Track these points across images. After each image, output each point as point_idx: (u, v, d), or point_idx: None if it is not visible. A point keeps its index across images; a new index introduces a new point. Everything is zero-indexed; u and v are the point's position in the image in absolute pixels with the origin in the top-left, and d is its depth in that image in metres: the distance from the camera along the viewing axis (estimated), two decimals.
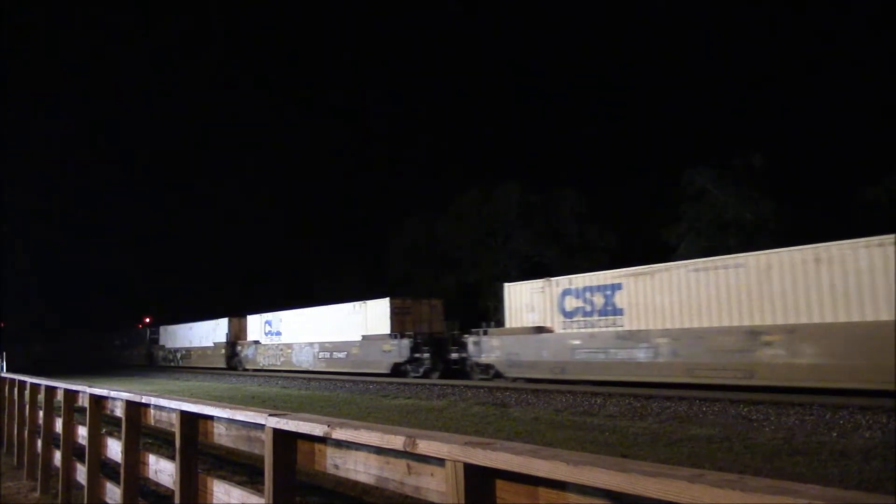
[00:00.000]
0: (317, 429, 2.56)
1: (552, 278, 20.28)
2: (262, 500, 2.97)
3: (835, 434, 9.67)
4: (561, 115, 68.37)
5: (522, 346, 20.13)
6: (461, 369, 22.77)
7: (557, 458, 1.64)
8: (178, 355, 43.83)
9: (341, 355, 27.88)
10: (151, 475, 4.68)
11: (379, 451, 2.32)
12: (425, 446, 2.03)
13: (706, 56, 59.51)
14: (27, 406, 8.84)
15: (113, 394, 5.51)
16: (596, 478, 1.53)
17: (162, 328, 47.75)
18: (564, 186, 39.75)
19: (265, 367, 33.12)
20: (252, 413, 3.10)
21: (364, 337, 26.74)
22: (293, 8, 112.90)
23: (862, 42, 42.69)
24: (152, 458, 4.66)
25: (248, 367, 34.67)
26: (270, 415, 2.90)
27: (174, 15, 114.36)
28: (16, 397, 9.95)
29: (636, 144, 55.01)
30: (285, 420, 2.78)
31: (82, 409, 6.41)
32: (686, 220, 32.81)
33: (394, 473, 2.27)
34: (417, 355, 24.00)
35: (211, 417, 3.65)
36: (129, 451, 4.83)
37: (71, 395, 6.83)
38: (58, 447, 6.79)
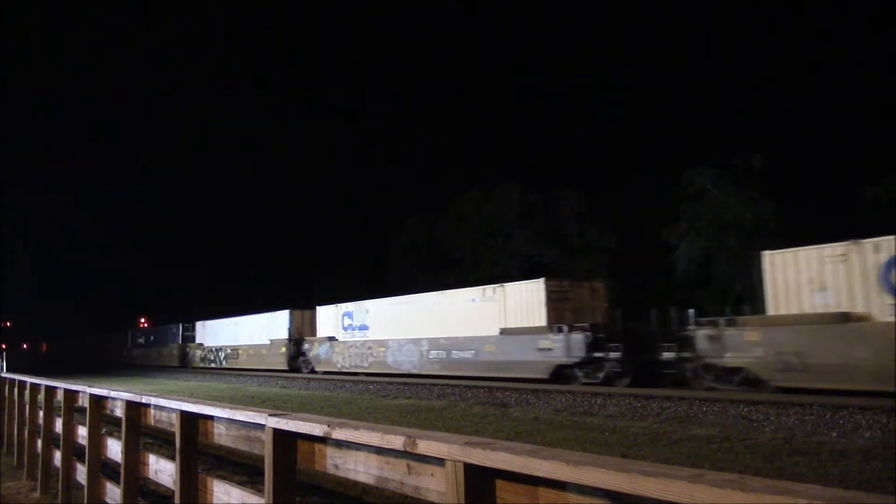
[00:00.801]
0: (317, 429, 2.56)
1: (862, 240, 13.67)
2: (262, 500, 2.97)
3: (835, 434, 9.67)
4: (561, 115, 68.36)
5: (812, 340, 13.74)
6: (675, 374, 16.94)
7: (557, 458, 1.64)
8: (222, 355, 38.15)
9: (466, 355, 22.05)
10: (151, 475, 4.68)
11: (379, 451, 2.32)
12: (425, 446, 2.03)
13: (706, 56, 59.52)
14: (27, 406, 8.83)
15: (113, 394, 5.51)
16: (596, 478, 1.53)
17: (199, 324, 42.34)
18: (564, 186, 39.75)
19: (344, 369, 27.53)
20: (252, 413, 3.10)
21: (504, 330, 20.83)
22: (293, 7, 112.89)
23: (862, 42, 42.69)
24: (152, 458, 4.66)
25: (319, 368, 29.32)
26: (270, 415, 2.90)
27: (174, 15, 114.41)
28: (16, 397, 9.95)
29: (636, 144, 55.00)
30: (285, 420, 2.78)
31: (82, 409, 6.40)
32: (686, 220, 32.80)
33: (394, 473, 2.27)
34: (598, 354, 18.17)
35: (211, 417, 3.65)
36: (129, 451, 4.82)
37: (71, 395, 6.83)
38: (58, 447, 6.78)
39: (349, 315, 28.78)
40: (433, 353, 23.32)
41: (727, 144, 37.75)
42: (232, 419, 3.35)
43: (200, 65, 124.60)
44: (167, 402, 4.20)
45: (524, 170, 57.70)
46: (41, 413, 7.98)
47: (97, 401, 5.87)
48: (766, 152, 31.53)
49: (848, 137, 35.15)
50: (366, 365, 26.65)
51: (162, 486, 4.71)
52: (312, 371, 29.94)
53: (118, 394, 5.28)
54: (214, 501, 3.57)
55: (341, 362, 28.11)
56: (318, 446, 2.69)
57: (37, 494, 7.39)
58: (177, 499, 3.78)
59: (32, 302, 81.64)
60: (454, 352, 22.55)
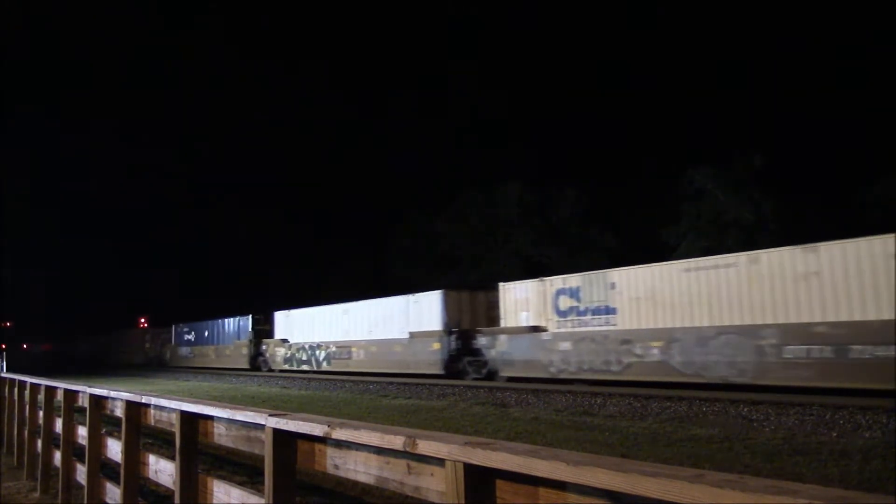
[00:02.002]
0: (317, 429, 2.56)
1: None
2: (262, 500, 2.98)
3: (835, 434, 9.67)
4: (561, 114, 68.39)
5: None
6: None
7: (557, 458, 1.64)
8: (321, 355, 29.42)
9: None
10: (151, 475, 4.68)
11: (379, 451, 2.32)
12: (425, 446, 2.03)
13: (706, 56, 59.53)
14: (27, 406, 8.84)
15: (113, 394, 5.51)
16: (596, 478, 1.53)
17: (280, 315, 33.48)
18: (564, 186, 39.80)
19: (577, 376, 18.30)
20: (252, 413, 3.10)
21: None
22: (294, 3, 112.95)
23: (862, 42, 42.72)
24: (152, 458, 4.66)
25: (510, 373, 20.32)
26: (270, 415, 2.90)
27: (174, 12, 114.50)
28: (16, 397, 9.95)
29: (636, 144, 55.02)
30: (285, 420, 2.78)
31: (82, 409, 6.41)
32: (686, 220, 32.83)
33: (394, 473, 2.27)
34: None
35: (211, 417, 3.65)
36: (129, 451, 4.83)
37: (71, 395, 6.83)
38: (58, 447, 6.79)
39: (574, 293, 18.77)
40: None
41: (727, 144, 37.77)
42: (232, 419, 3.35)
43: (201, 65, 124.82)
44: (167, 402, 4.20)
45: (524, 170, 57.76)
46: (41, 413, 7.98)
47: (97, 401, 5.87)
48: (766, 152, 31.58)
49: (848, 137, 35.17)
50: (617, 369, 17.40)
51: (162, 486, 4.72)
52: (488, 377, 21.11)
53: (118, 394, 5.28)
54: (214, 501, 3.57)
55: (573, 365, 18.44)
56: (318, 446, 2.70)
57: (37, 494, 7.39)
58: (177, 499, 3.78)
59: (36, 301, 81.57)
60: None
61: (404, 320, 24.93)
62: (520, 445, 1.86)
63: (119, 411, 5.12)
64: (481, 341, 21.73)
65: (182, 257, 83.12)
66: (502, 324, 21.15)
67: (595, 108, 64.68)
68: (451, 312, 23.28)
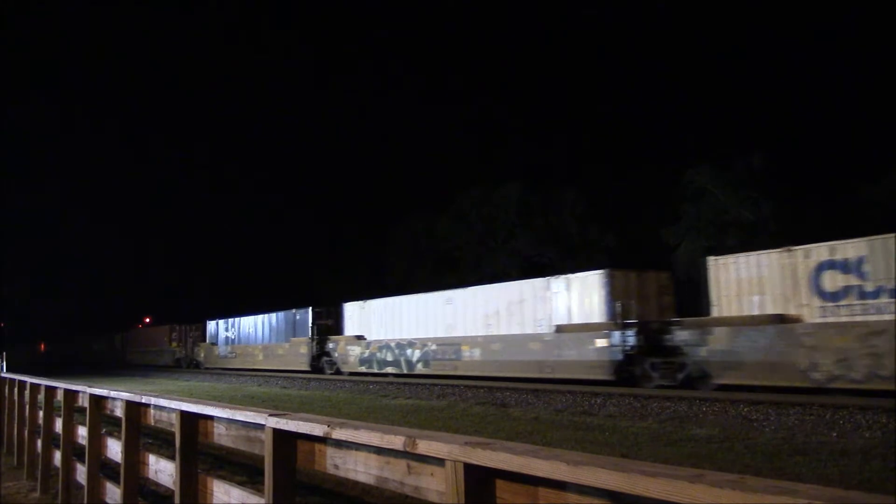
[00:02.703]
0: (317, 429, 2.56)
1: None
2: (262, 500, 2.97)
3: (835, 434, 9.66)
4: (561, 114, 68.37)
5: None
6: None
7: (557, 458, 1.64)
8: (413, 355, 24.29)
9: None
10: (151, 475, 4.68)
11: (379, 451, 2.32)
12: (425, 446, 2.03)
13: (706, 56, 59.50)
14: (27, 406, 8.84)
15: (113, 394, 5.51)
16: (596, 478, 1.53)
17: (352, 307, 28.12)
18: (564, 186, 39.81)
19: (862, 384, 13.21)
20: (252, 413, 3.10)
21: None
22: (297, 3, 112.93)
23: (862, 42, 42.68)
24: (152, 458, 4.66)
25: (764, 380, 14.92)
26: (270, 415, 2.90)
27: (173, 13, 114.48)
28: (16, 397, 9.95)
29: (636, 144, 55.03)
30: (285, 420, 2.78)
31: (82, 409, 6.40)
32: (686, 220, 32.83)
33: (394, 473, 2.27)
34: None
35: (211, 417, 3.65)
36: (129, 451, 4.82)
37: (71, 395, 6.83)
38: (58, 447, 6.78)
39: (852, 267, 13.86)
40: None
41: (727, 144, 37.79)
42: (232, 419, 3.35)
43: (202, 65, 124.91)
44: (167, 402, 4.20)
45: (524, 170, 57.80)
46: (41, 413, 7.98)
47: (97, 401, 5.87)
48: (766, 152, 31.59)
49: (847, 137, 35.16)
50: None
51: (162, 486, 4.71)
52: (686, 384, 16.40)
53: (118, 394, 5.28)
54: (214, 501, 3.57)
55: (859, 369, 13.31)
56: (318, 446, 2.69)
57: (37, 494, 7.39)
58: (177, 499, 3.77)
59: (31, 301, 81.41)
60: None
61: (542, 310, 19.95)
62: (520, 445, 1.86)
63: (119, 411, 5.12)
64: (680, 336, 16.66)
65: (180, 257, 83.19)
66: (714, 312, 16.40)
67: (596, 108, 64.67)
68: (619, 298, 18.28)
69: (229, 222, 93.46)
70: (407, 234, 45.41)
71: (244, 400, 17.71)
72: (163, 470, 4.39)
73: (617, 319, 17.90)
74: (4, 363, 30.65)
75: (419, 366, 24.12)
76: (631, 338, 17.61)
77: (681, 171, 33.10)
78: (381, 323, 26.50)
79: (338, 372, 28.29)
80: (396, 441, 2.13)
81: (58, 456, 6.78)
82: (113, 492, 5.26)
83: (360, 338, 27.31)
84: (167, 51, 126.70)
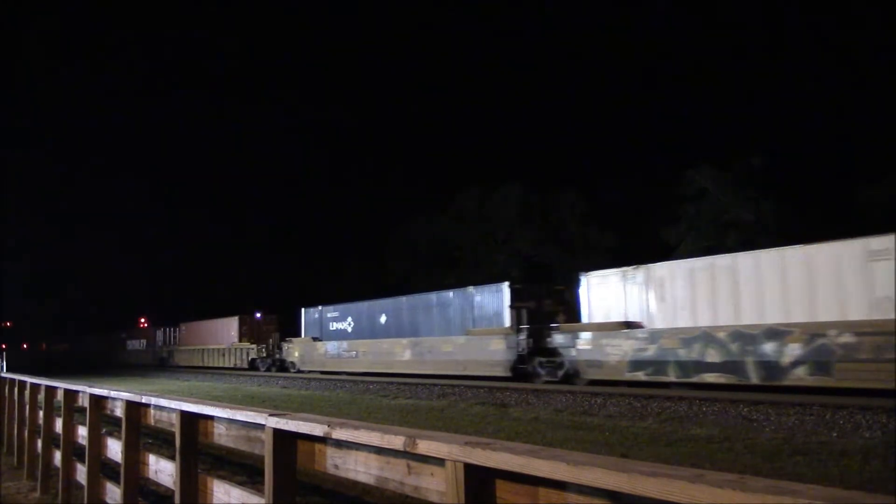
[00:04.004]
0: (317, 429, 2.56)
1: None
2: (262, 500, 2.97)
3: (835, 434, 9.66)
4: (561, 115, 68.37)
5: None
6: None
7: (557, 458, 1.64)
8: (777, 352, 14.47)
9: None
10: (151, 475, 4.68)
11: (379, 451, 2.32)
12: (425, 446, 2.03)
13: (706, 56, 59.51)
14: (27, 406, 8.83)
15: (113, 394, 5.51)
16: (596, 478, 1.53)
17: (608, 276, 18.72)
18: (564, 186, 39.82)
19: None
20: (252, 413, 3.10)
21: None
22: (294, 5, 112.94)
23: (862, 42, 42.69)
24: (152, 458, 4.66)
25: None
26: (270, 415, 2.90)
27: (178, 24, 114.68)
28: (16, 397, 9.95)
29: (636, 144, 55.05)
30: (285, 420, 2.78)
31: (82, 409, 6.40)
32: (686, 220, 32.82)
33: (394, 473, 2.27)
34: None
35: (211, 417, 3.65)
36: (129, 451, 4.82)
37: (71, 395, 6.83)
38: (58, 447, 6.78)
39: None
40: None
41: (727, 144, 37.82)
42: (232, 419, 3.35)
43: (203, 65, 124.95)
44: (167, 402, 4.20)
45: (524, 170, 57.83)
46: (41, 413, 7.98)
47: (97, 401, 5.87)
48: (766, 152, 31.58)
49: (847, 137, 35.18)
50: None
51: (162, 486, 4.71)
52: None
53: (118, 394, 5.28)
54: (214, 501, 3.57)
55: None
56: (318, 446, 2.69)
57: (37, 494, 7.38)
58: (177, 499, 3.77)
59: (28, 302, 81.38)
60: None
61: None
62: (520, 445, 1.86)
63: (119, 411, 5.12)
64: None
65: (177, 260, 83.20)
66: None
67: (596, 108, 64.67)
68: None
69: (230, 223, 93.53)
70: (407, 234, 45.41)
71: (244, 400, 17.71)
72: (163, 470, 4.39)
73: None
74: (4, 363, 30.62)
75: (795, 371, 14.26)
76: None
77: (681, 171, 33.11)
78: (689, 298, 16.52)
79: (570, 375, 18.73)
80: (396, 441, 2.13)
81: (58, 456, 6.78)
82: (113, 492, 5.26)
83: (629, 325, 17.58)
84: (168, 51, 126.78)
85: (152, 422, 4.65)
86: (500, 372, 20.72)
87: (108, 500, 5.41)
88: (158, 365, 45.52)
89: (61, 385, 7.27)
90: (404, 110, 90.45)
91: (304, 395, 19.97)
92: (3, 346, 47.34)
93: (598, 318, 18.44)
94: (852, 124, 36.49)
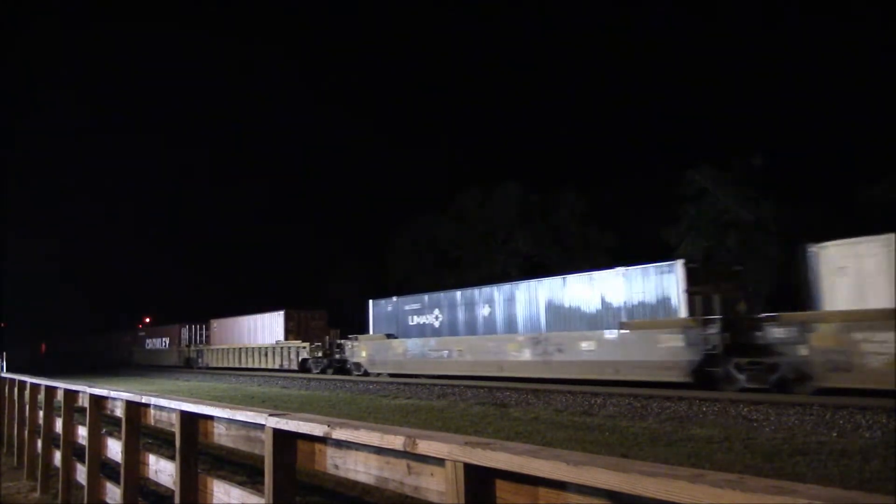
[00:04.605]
0: (317, 429, 2.56)
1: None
2: (262, 500, 2.97)
3: (835, 434, 9.66)
4: (561, 115, 68.38)
5: None
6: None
7: (557, 458, 1.64)
8: None
9: None
10: (151, 475, 4.68)
11: (379, 451, 2.32)
12: (425, 446, 2.03)
13: (706, 56, 59.51)
14: (27, 406, 8.83)
15: (113, 394, 5.51)
16: (596, 478, 1.53)
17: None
18: (564, 186, 39.81)
19: None
20: (252, 413, 3.10)
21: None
22: (294, 4, 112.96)
23: (862, 41, 42.70)
24: (152, 458, 4.66)
25: None
26: (270, 415, 2.90)
27: (181, 23, 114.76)
28: (16, 397, 9.95)
29: (636, 144, 55.05)
30: (285, 420, 2.78)
31: (82, 409, 6.40)
32: (686, 220, 32.81)
33: (394, 473, 2.27)
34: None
35: (211, 417, 3.65)
36: (129, 451, 4.82)
37: (71, 395, 6.83)
38: (58, 447, 6.78)
39: None
40: None
41: (727, 144, 37.82)
42: (232, 419, 3.35)
43: (204, 64, 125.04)
44: (167, 402, 4.20)
45: (524, 170, 57.82)
46: (41, 413, 7.98)
47: (97, 401, 5.87)
48: (766, 152, 31.56)
49: (847, 137, 35.18)
50: None
51: (162, 486, 4.71)
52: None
53: (118, 394, 5.28)
54: (214, 501, 3.57)
55: None
56: (318, 446, 2.69)
57: (37, 494, 7.38)
58: (177, 499, 3.77)
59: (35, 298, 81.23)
60: None
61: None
62: (520, 445, 1.85)
63: (119, 411, 5.12)
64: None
65: (177, 260, 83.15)
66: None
67: (596, 108, 64.66)
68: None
69: (230, 223, 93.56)
70: (407, 234, 45.41)
71: (244, 400, 17.71)
72: (163, 470, 4.39)
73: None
74: (4, 363, 30.60)
75: None
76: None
77: (681, 171, 33.10)
78: None
79: (787, 389, 14.50)
80: (396, 441, 2.13)
81: (58, 456, 6.78)
82: (113, 492, 5.25)
83: None
84: (169, 52, 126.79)
85: (152, 422, 4.65)
86: (675, 377, 16.25)
87: (108, 500, 5.41)
88: (184, 366, 42.13)
89: (61, 385, 7.26)
90: (404, 110, 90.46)
91: (304, 395, 19.96)
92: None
93: (840, 304, 13.76)
94: (852, 124, 36.49)
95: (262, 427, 2.96)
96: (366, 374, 26.68)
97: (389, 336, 26.22)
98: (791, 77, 46.14)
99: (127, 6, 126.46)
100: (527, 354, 20.28)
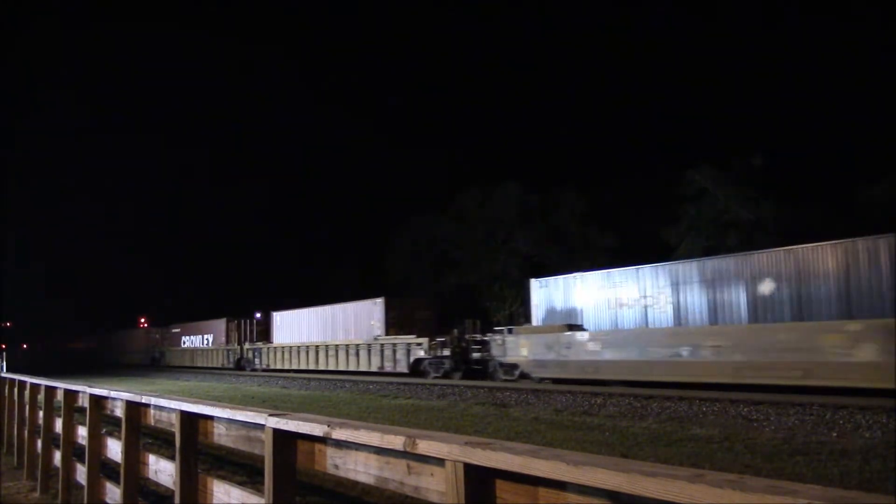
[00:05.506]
0: (317, 429, 2.56)
1: None
2: (262, 500, 2.97)
3: (835, 434, 9.66)
4: (561, 115, 68.37)
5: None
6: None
7: (557, 458, 1.64)
8: None
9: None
10: (151, 475, 4.68)
11: (379, 451, 2.32)
12: (425, 446, 2.03)
13: (706, 56, 59.47)
14: (27, 406, 8.83)
15: (113, 394, 5.50)
16: (596, 478, 1.52)
17: None
18: (564, 186, 39.78)
19: None
20: (252, 413, 3.10)
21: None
22: (294, 4, 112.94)
23: (862, 41, 42.69)
24: (152, 458, 4.66)
25: None
26: (270, 415, 2.90)
27: (181, 23, 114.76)
28: (16, 397, 9.94)
29: (636, 144, 55.04)
30: (285, 420, 2.78)
31: (82, 409, 6.40)
32: (686, 220, 32.79)
33: (394, 473, 2.27)
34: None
35: (211, 417, 3.64)
36: (129, 451, 4.82)
37: (71, 395, 6.83)
38: (58, 447, 6.78)
39: None
40: None
41: (727, 144, 37.81)
42: (232, 419, 3.34)
43: (203, 64, 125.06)
44: (167, 403, 4.19)
45: (524, 170, 57.81)
46: (41, 413, 7.98)
47: (97, 401, 5.86)
48: (766, 152, 31.56)
49: (847, 137, 35.17)
50: None
51: (162, 486, 4.71)
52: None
53: (118, 394, 5.27)
54: (214, 501, 3.56)
55: None
56: (318, 446, 2.69)
57: (37, 494, 7.38)
58: (177, 499, 3.77)
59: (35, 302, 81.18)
60: None
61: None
62: (520, 445, 1.85)
63: (119, 411, 5.12)
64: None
65: (176, 260, 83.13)
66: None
67: (596, 108, 64.65)
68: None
69: (230, 223, 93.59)
70: (407, 234, 45.39)
71: (244, 400, 17.70)
72: (163, 470, 4.39)
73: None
74: (4, 363, 30.60)
75: None
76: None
77: (681, 171, 33.09)
78: None
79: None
80: (396, 441, 2.13)
81: (58, 456, 6.78)
82: (113, 492, 5.25)
83: None
84: (169, 52, 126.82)
85: (152, 422, 4.65)
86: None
87: (108, 500, 5.41)
88: (235, 368, 36.53)
89: (61, 385, 7.26)
90: (404, 110, 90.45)
91: (304, 394, 19.96)
92: (3, 346, 46.87)
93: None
94: (852, 124, 36.48)
95: (262, 427, 2.96)
96: (522, 377, 20.53)
97: (573, 327, 19.67)
98: (791, 77, 46.15)
99: (127, 6, 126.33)
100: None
